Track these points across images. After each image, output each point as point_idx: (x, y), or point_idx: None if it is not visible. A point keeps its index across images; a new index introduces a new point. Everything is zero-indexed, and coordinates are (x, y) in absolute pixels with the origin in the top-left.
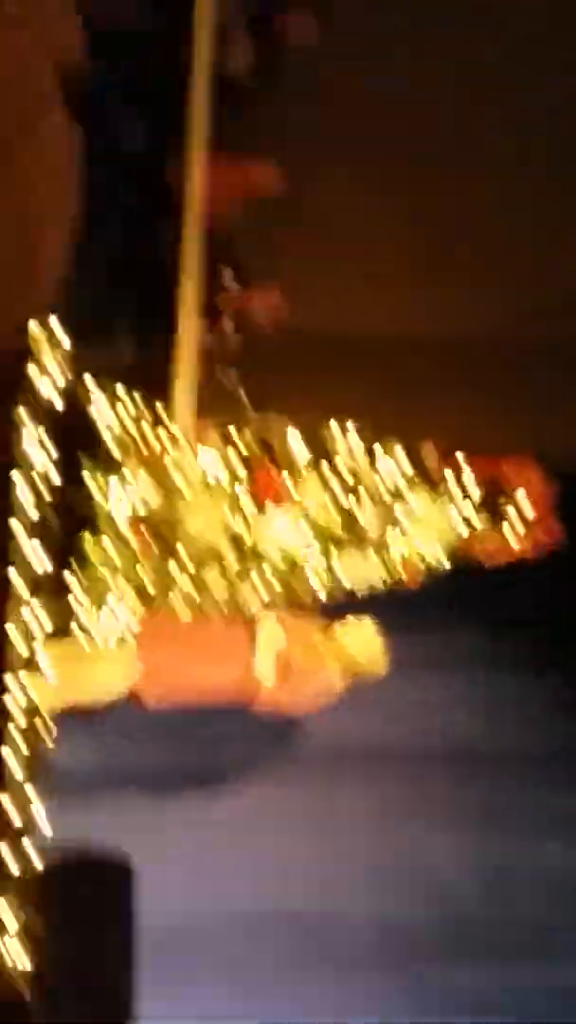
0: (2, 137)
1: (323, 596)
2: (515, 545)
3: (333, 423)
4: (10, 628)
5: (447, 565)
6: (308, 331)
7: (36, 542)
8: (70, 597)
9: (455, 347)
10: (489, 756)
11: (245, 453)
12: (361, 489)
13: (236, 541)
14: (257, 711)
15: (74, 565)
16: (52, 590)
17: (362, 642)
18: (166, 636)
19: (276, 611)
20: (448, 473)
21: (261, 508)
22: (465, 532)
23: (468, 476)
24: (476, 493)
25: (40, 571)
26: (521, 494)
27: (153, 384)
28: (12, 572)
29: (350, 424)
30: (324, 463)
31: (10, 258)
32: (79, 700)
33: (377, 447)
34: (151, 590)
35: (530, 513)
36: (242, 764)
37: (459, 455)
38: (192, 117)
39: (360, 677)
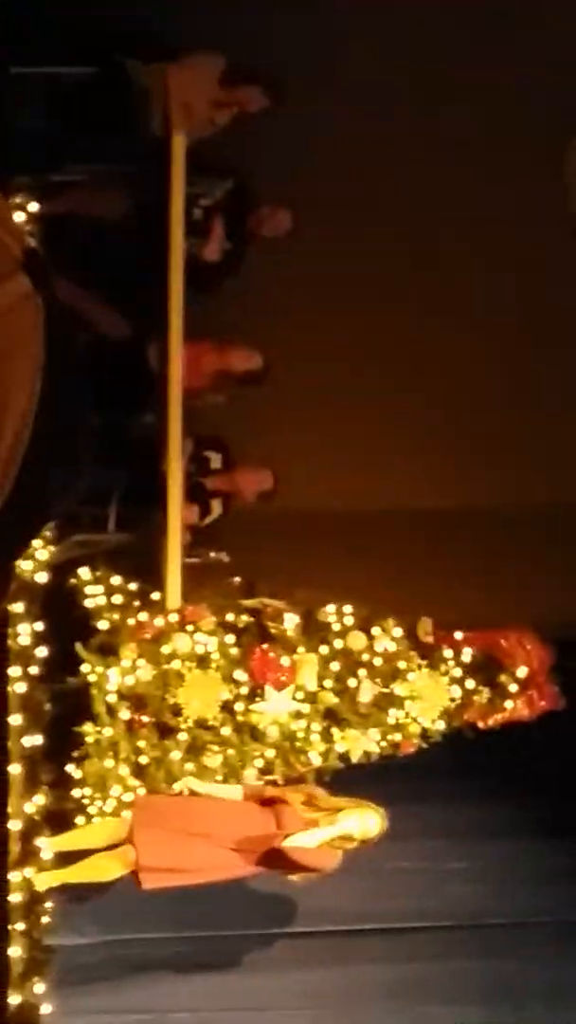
0: None
1: (319, 765)
2: (513, 711)
3: (330, 605)
4: (12, 824)
5: (444, 734)
6: (297, 510)
7: (37, 736)
8: (73, 788)
9: (445, 519)
10: (492, 926)
11: (240, 635)
12: (359, 672)
13: (233, 720)
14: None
15: (76, 755)
16: (54, 782)
17: (365, 826)
18: (166, 821)
19: (286, 790)
20: (445, 648)
21: (258, 687)
22: (463, 702)
23: (465, 650)
24: (474, 665)
25: (41, 764)
26: (519, 665)
27: (144, 568)
28: (13, 767)
29: (346, 607)
30: (320, 642)
31: None
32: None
33: (375, 628)
34: (151, 772)
35: (527, 681)
36: (248, 945)
37: (456, 633)
38: (170, 303)
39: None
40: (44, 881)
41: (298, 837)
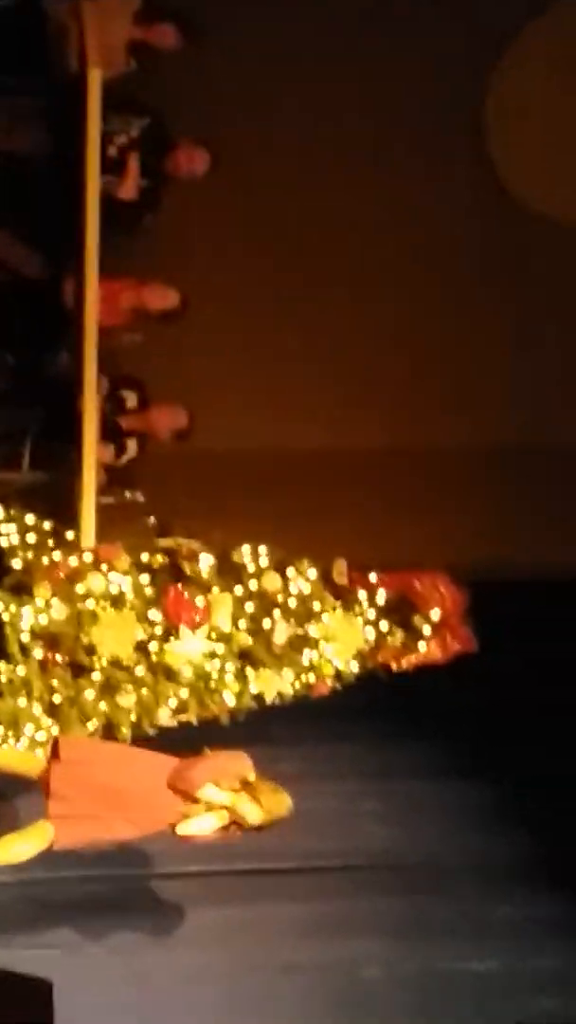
0: None
1: (233, 706)
2: (427, 653)
3: (245, 546)
4: None
5: (358, 675)
6: (213, 450)
7: None
8: None
9: (361, 460)
10: (408, 866)
11: (154, 575)
12: (274, 613)
13: (147, 659)
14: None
15: None
16: None
17: (273, 804)
18: (81, 783)
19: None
20: (360, 590)
21: (173, 627)
22: (377, 643)
23: (380, 592)
24: (388, 607)
25: None
26: (433, 607)
27: (59, 507)
28: None
29: (261, 547)
30: (235, 582)
31: None
32: None
33: (290, 569)
34: (64, 711)
35: (441, 623)
36: (162, 883)
37: (371, 574)
38: (85, 241)
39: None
40: None
41: (192, 822)
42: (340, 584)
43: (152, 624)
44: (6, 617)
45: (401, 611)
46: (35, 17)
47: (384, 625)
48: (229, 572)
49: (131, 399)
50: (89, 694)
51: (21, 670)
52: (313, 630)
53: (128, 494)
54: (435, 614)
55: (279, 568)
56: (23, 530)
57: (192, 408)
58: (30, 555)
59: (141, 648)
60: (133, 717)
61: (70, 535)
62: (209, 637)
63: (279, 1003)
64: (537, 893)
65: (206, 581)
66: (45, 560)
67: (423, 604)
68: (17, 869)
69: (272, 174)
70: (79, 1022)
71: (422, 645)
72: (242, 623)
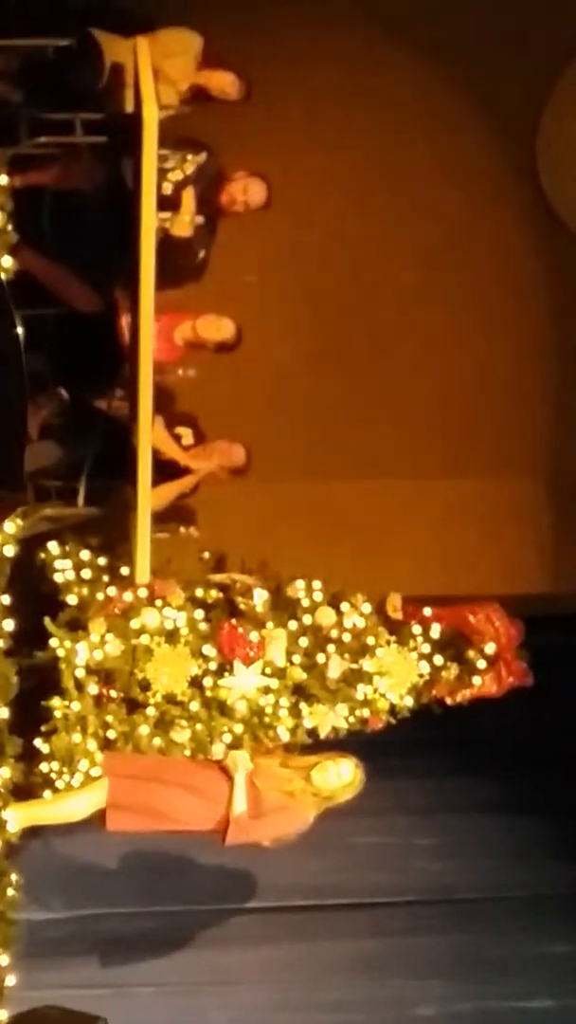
0: None
1: (288, 740)
2: (481, 687)
3: (299, 581)
4: None
5: (413, 710)
6: (267, 485)
7: (3, 709)
8: (41, 763)
9: (415, 495)
10: (462, 902)
11: (209, 610)
12: (328, 647)
13: (202, 695)
14: (228, 844)
15: (44, 730)
16: (21, 755)
17: (340, 783)
18: (137, 763)
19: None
20: (414, 624)
21: (227, 662)
22: (432, 677)
23: (434, 626)
24: (442, 641)
25: (7, 737)
26: (487, 641)
27: (113, 543)
28: None
29: (315, 582)
30: (289, 617)
31: None
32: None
33: (344, 604)
34: (119, 746)
35: (495, 657)
36: (215, 919)
37: (425, 609)
38: (141, 277)
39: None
40: (16, 820)
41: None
42: (394, 618)
43: (206, 659)
44: (61, 653)
45: (455, 645)
46: (93, 53)
47: (438, 659)
48: (283, 607)
49: (187, 435)
50: (143, 729)
51: (76, 706)
52: (367, 664)
53: (183, 529)
54: (490, 648)
55: (333, 603)
56: (78, 566)
57: (246, 443)
58: (85, 591)
59: (195, 683)
60: (188, 752)
61: (125, 571)
62: (263, 672)
63: None
64: None
65: (260, 616)
66: (100, 596)
67: (477, 638)
68: (71, 906)
69: (328, 208)
70: None
71: (477, 679)
72: (296, 658)
